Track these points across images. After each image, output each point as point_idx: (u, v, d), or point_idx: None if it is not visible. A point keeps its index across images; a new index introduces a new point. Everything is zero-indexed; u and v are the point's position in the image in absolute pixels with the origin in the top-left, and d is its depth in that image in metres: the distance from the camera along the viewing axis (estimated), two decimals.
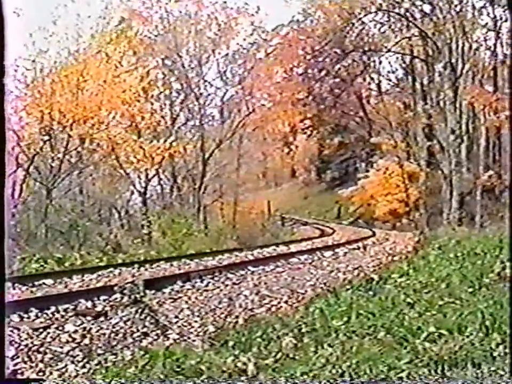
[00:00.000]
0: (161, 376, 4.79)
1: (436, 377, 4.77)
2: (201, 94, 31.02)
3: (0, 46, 2.66)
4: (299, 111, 35.94)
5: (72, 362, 5.53)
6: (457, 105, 31.46)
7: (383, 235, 27.83)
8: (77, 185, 22.00)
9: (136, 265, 13.66)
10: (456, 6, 31.23)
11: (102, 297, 8.74)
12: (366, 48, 34.48)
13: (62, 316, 7.69)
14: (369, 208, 43.18)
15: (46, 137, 19.71)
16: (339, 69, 36.02)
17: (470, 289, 8.44)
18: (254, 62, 32.91)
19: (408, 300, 7.72)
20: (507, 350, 5.18)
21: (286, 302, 8.75)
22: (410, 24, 33.62)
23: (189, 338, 6.44)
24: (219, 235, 24.22)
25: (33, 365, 5.45)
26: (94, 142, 21.36)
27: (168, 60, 29.85)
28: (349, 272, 12.38)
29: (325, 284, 10.51)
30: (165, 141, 26.07)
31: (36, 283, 10.73)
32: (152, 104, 26.40)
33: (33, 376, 5.17)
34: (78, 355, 5.75)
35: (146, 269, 13.39)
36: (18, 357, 5.62)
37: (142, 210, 25.35)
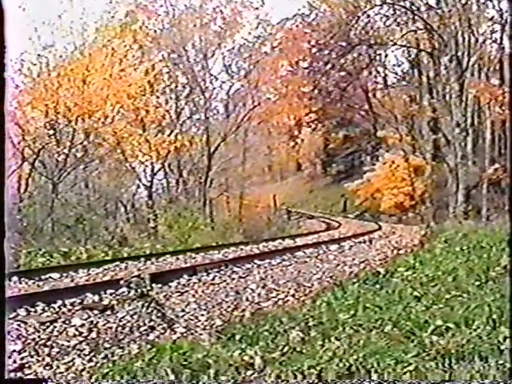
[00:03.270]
0: (168, 370, 4.78)
1: (443, 371, 4.75)
2: (206, 87, 31.01)
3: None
4: (304, 105, 35.98)
5: (79, 356, 5.53)
6: (463, 98, 31.38)
7: (389, 228, 27.84)
8: (82, 179, 22.00)
9: (142, 259, 13.64)
10: None
11: (108, 291, 8.72)
12: (372, 42, 34.39)
13: (69, 310, 7.69)
14: (375, 202, 43.22)
15: (52, 132, 19.75)
16: (344, 62, 35.97)
17: (477, 283, 8.44)
18: (259, 55, 32.87)
19: (415, 293, 7.71)
20: None
21: (292, 295, 8.74)
22: (416, 17, 33.53)
23: (195, 332, 6.44)
24: (225, 229, 24.22)
25: (40, 359, 5.45)
26: (99, 136, 21.38)
27: (174, 53, 29.83)
28: (355, 265, 12.38)
29: (331, 277, 10.50)
30: (170, 134, 26.10)
31: (43, 277, 10.72)
32: (157, 98, 26.42)
33: (40, 370, 5.17)
34: (84, 349, 5.75)
35: (152, 263, 13.38)
36: (25, 351, 5.63)
37: (148, 204, 25.39)
